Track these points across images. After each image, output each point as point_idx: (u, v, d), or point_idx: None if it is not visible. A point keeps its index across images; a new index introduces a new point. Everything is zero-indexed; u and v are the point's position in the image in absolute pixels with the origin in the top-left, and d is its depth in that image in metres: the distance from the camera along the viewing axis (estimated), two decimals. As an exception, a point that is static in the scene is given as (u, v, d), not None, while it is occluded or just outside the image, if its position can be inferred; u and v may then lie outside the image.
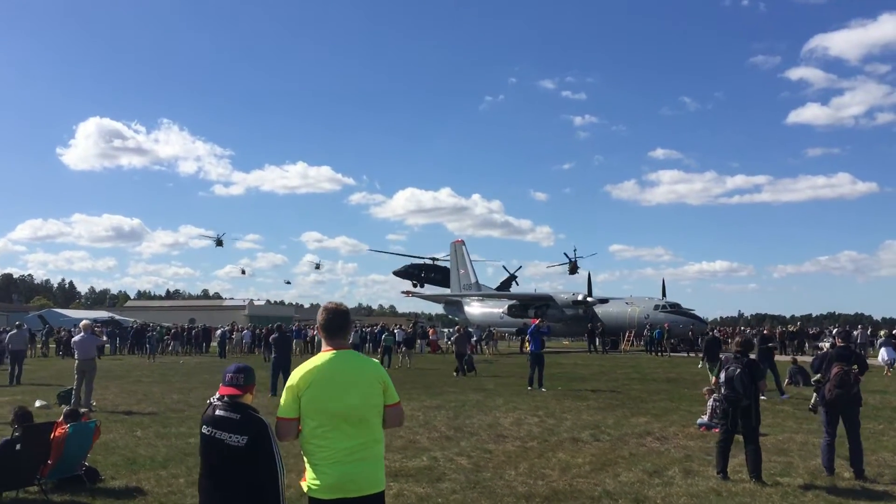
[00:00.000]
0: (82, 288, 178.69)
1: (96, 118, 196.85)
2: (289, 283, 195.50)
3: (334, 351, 4.24)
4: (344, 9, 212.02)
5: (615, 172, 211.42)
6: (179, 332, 41.69)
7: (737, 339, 9.57)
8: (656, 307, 43.98)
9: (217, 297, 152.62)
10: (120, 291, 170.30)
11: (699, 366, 22.91)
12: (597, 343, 43.74)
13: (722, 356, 9.60)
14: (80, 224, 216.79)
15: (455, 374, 25.66)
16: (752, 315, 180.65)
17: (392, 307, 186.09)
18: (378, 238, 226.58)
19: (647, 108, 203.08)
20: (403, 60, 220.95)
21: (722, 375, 9.06)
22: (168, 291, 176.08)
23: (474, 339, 44.03)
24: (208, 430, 4.19)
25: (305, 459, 4.17)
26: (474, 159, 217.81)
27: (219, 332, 41.06)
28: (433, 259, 61.55)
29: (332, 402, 4.09)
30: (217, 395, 4.33)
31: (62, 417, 8.85)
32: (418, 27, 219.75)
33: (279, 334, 19.05)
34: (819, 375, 9.50)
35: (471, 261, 57.74)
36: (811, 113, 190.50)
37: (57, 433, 8.31)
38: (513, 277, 57.52)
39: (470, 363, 26.55)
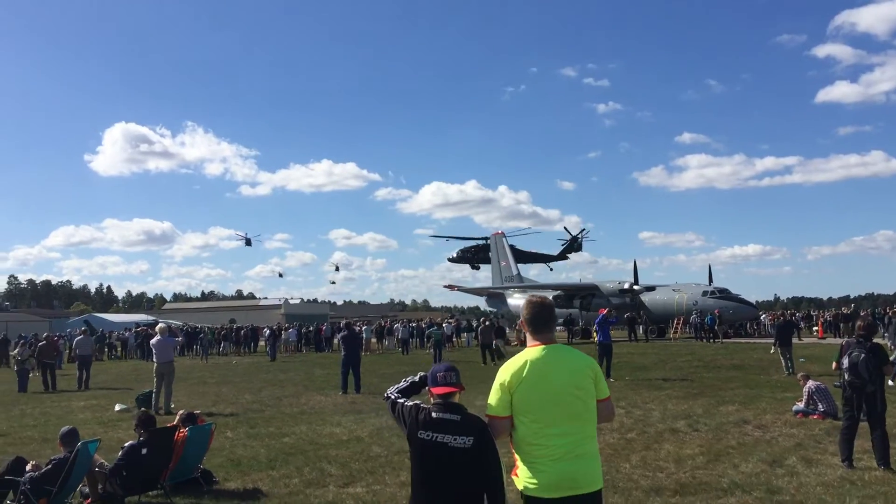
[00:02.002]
0: (119, 292, 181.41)
1: (122, 123, 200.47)
2: (334, 282, 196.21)
3: (543, 345, 4.10)
4: (362, 6, 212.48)
5: (642, 159, 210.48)
6: (229, 332, 42.02)
7: (859, 322, 9.26)
8: (704, 293, 43.25)
9: (251, 296, 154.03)
10: (156, 294, 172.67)
11: (771, 351, 22.46)
12: (639, 331, 43.30)
13: (844, 341, 9.24)
14: (111, 229, 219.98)
15: (483, 363, 26.85)
16: (788, 298, 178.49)
17: (425, 302, 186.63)
18: (406, 233, 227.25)
19: (671, 93, 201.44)
20: (422, 55, 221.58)
21: (845, 361, 8.77)
22: (203, 293, 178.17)
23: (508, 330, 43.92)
24: (428, 435, 3.98)
25: (518, 458, 4.02)
26: (499, 151, 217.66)
27: (267, 331, 41.27)
28: (485, 239, 61.11)
29: (546, 397, 3.95)
30: (433, 398, 4.16)
31: (177, 420, 8.85)
32: (436, 21, 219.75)
33: (348, 332, 18.93)
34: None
35: (511, 252, 57.42)
36: (840, 91, 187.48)
37: (177, 437, 8.29)
38: (574, 239, 56.60)
39: (498, 352, 28.06)
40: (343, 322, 25.96)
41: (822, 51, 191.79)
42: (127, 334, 43.13)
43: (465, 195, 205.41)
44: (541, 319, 4.17)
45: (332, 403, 16.42)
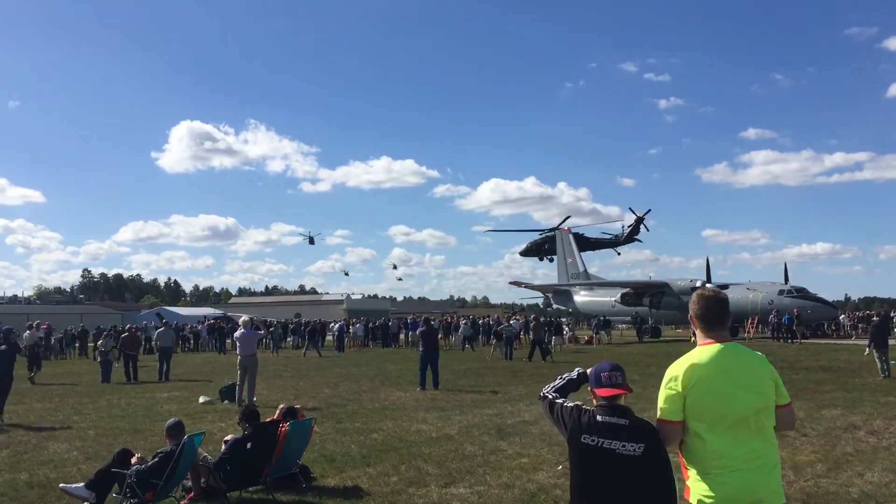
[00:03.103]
0: (185, 286, 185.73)
1: (187, 122, 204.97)
2: (401, 279, 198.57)
3: (718, 344, 3.72)
4: (420, 4, 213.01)
5: (705, 155, 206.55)
6: (297, 326, 42.39)
7: None
8: (781, 292, 41.84)
9: (313, 291, 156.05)
10: (222, 289, 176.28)
11: (865, 353, 21.44)
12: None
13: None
14: (178, 225, 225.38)
15: (529, 360, 27.24)
16: (860, 298, 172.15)
17: (485, 298, 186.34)
18: (464, 230, 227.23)
19: (735, 88, 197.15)
20: (480, 51, 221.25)
21: None
22: (267, 287, 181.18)
23: (566, 331, 43.15)
24: (593, 440, 3.65)
25: (691, 468, 3.66)
26: (558, 147, 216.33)
27: (336, 326, 41.49)
28: (552, 230, 60.26)
29: (724, 401, 3.58)
30: (596, 400, 3.83)
31: (278, 414, 8.71)
32: (494, 16, 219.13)
33: (426, 327, 18.72)
34: None
35: (578, 249, 56.57)
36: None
37: (279, 431, 8.15)
38: (640, 220, 55.45)
39: (546, 350, 28.30)
40: (420, 317, 25.77)
41: (894, 43, 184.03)
42: (200, 327, 43.87)
43: (523, 192, 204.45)
44: (715, 315, 3.79)
45: (413, 399, 16.23)
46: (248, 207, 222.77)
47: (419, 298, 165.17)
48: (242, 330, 16.04)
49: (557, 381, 4.11)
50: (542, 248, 60.32)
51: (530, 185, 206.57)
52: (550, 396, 3.99)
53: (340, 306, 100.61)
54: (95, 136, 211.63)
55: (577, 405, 3.82)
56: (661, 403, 3.71)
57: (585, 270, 55.70)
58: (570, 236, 57.14)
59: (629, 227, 55.90)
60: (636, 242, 57.33)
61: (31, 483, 8.68)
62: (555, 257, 60.33)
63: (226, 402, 16.03)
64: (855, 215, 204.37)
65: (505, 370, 23.87)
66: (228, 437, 8.48)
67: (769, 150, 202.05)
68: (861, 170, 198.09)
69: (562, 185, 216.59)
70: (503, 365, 26.42)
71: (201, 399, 16.34)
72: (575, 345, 40.26)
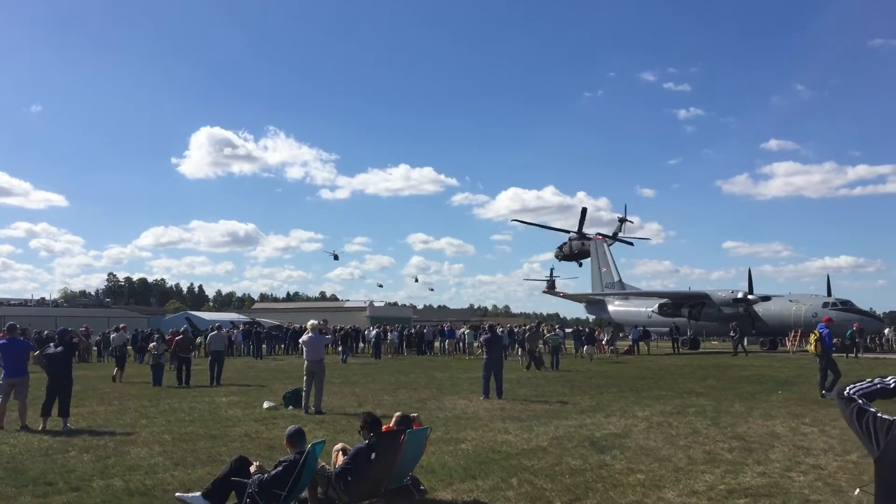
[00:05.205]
0: (208, 291, 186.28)
1: (207, 128, 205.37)
2: (432, 289, 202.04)
3: None
4: (439, 11, 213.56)
5: (726, 166, 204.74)
6: (345, 334, 42.13)
7: None
8: (825, 304, 40.98)
9: (334, 298, 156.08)
10: (245, 294, 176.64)
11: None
12: (744, 343, 40.94)
13: None
14: (198, 230, 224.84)
15: (526, 368, 27.98)
16: (885, 313, 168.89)
17: (506, 307, 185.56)
18: (483, 238, 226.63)
19: (756, 98, 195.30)
20: (499, 60, 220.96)
21: None
22: (288, 294, 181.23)
23: (605, 338, 42.47)
24: None
25: None
26: (577, 157, 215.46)
27: (373, 333, 41.10)
28: (577, 232, 59.01)
29: None
30: None
31: (394, 423, 8.28)
32: (513, 25, 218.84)
33: (492, 334, 18.24)
34: None
35: (613, 258, 55.94)
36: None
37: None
38: (622, 220, 57.18)
39: (539, 359, 28.45)
40: (488, 324, 25.27)
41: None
42: (234, 332, 43.60)
43: (542, 201, 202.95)
44: None
45: (483, 409, 15.74)
46: (267, 214, 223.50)
47: (439, 307, 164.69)
48: (311, 334, 15.60)
49: (866, 385, 3.58)
50: (561, 249, 59.71)
51: (549, 195, 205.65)
52: (860, 402, 3.48)
53: (363, 313, 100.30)
54: (117, 142, 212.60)
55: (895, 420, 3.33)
56: None
57: (620, 280, 54.97)
58: (605, 245, 56.50)
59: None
60: (628, 245, 59.45)
61: (129, 491, 8.27)
62: (583, 262, 59.75)
63: (290, 407, 15.63)
64: (879, 228, 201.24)
65: (559, 379, 23.37)
66: (339, 446, 8.07)
67: (791, 162, 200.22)
68: (885, 182, 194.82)
69: (581, 194, 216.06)
70: (553, 374, 25.91)
71: (266, 405, 15.93)
72: (616, 355, 39.70)
